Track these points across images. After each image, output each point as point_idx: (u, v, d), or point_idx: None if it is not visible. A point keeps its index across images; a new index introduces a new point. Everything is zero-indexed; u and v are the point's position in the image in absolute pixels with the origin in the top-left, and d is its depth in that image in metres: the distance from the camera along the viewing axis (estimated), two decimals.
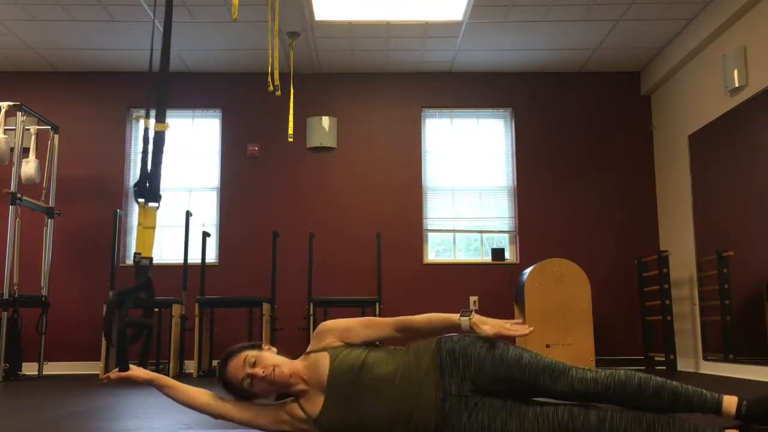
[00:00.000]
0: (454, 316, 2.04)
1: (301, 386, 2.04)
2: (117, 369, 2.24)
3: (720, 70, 5.75)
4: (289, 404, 2.08)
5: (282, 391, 2.08)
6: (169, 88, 2.64)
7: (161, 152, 2.52)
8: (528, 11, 5.86)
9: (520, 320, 2.07)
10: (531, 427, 1.84)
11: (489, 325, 1.99)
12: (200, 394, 2.18)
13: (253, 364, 2.02)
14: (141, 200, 2.46)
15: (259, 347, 2.10)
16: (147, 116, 2.64)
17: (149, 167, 2.49)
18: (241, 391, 2.08)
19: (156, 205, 2.48)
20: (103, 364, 5.84)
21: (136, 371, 2.24)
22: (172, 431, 2.67)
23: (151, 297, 2.43)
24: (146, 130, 2.60)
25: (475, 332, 1.99)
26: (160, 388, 2.22)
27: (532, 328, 2.01)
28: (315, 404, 2.01)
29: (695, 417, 1.91)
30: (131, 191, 7.12)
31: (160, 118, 2.54)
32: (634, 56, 6.85)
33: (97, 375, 6.01)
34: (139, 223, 2.46)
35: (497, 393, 1.91)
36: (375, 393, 1.94)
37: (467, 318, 2.01)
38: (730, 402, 1.85)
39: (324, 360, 2.03)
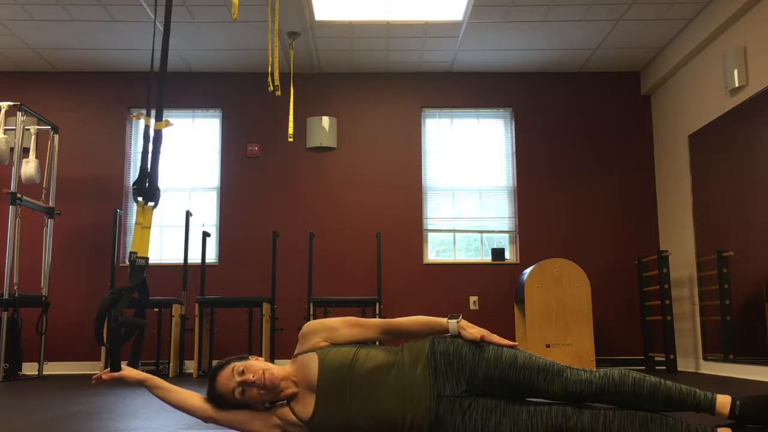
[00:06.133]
0: (442, 320, 2.04)
1: (292, 389, 2.04)
2: (108, 369, 2.22)
3: (720, 70, 5.75)
4: (280, 408, 2.07)
5: (273, 397, 2.04)
6: (166, 87, 2.64)
7: (159, 151, 2.50)
8: (528, 11, 5.86)
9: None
10: (524, 427, 1.84)
11: (476, 330, 1.99)
12: (192, 397, 2.14)
13: (242, 372, 2.01)
14: (140, 199, 2.44)
15: (246, 358, 2.09)
16: (147, 115, 2.60)
17: (148, 166, 2.48)
18: (233, 403, 2.06)
19: (153, 204, 2.45)
20: (102, 364, 5.84)
21: (127, 372, 2.22)
22: (171, 431, 2.67)
23: (145, 297, 2.39)
24: (146, 128, 2.55)
25: (462, 336, 1.99)
26: (152, 389, 2.18)
27: (517, 344, 1.99)
28: (306, 406, 2.00)
29: (688, 416, 1.90)
30: (131, 191, 7.12)
31: (159, 117, 2.51)
32: (634, 56, 6.85)
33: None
34: (137, 223, 2.42)
35: (491, 394, 1.92)
36: (367, 392, 1.94)
37: (455, 321, 2.01)
38: (723, 402, 1.85)
39: (312, 360, 2.01)
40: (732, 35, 5.60)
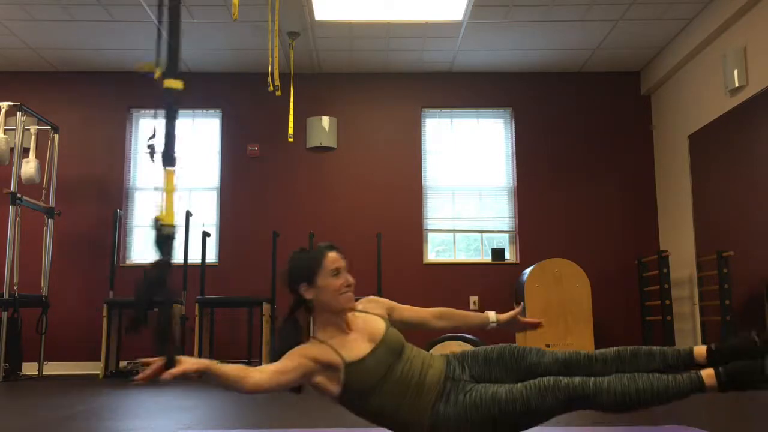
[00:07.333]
0: (482, 314, 2.39)
1: (349, 323, 2.14)
2: (163, 365, 1.80)
3: (720, 70, 5.74)
4: (318, 347, 2.06)
5: (338, 306, 2.13)
6: (180, 41, 2.19)
7: (175, 110, 2.11)
8: (528, 11, 5.86)
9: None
10: (519, 394, 1.99)
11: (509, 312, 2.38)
12: (243, 371, 1.93)
13: (347, 271, 2.16)
14: (166, 166, 2.11)
15: None
16: (157, 65, 2.11)
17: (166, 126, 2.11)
18: (314, 272, 2.19)
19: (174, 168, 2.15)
20: (103, 364, 5.84)
21: (186, 365, 1.82)
22: (172, 431, 2.67)
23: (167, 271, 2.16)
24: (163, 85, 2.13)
25: (500, 320, 2.35)
26: (215, 377, 1.87)
27: (542, 322, 2.45)
28: (356, 349, 2.06)
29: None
30: (130, 190, 7.12)
31: (172, 74, 2.10)
32: (634, 56, 6.85)
33: (97, 375, 6.00)
34: (163, 189, 2.11)
35: (491, 379, 2.13)
36: (403, 368, 2.09)
37: (493, 312, 2.38)
38: (700, 349, 2.15)
39: (379, 321, 2.18)
40: (732, 35, 5.60)
